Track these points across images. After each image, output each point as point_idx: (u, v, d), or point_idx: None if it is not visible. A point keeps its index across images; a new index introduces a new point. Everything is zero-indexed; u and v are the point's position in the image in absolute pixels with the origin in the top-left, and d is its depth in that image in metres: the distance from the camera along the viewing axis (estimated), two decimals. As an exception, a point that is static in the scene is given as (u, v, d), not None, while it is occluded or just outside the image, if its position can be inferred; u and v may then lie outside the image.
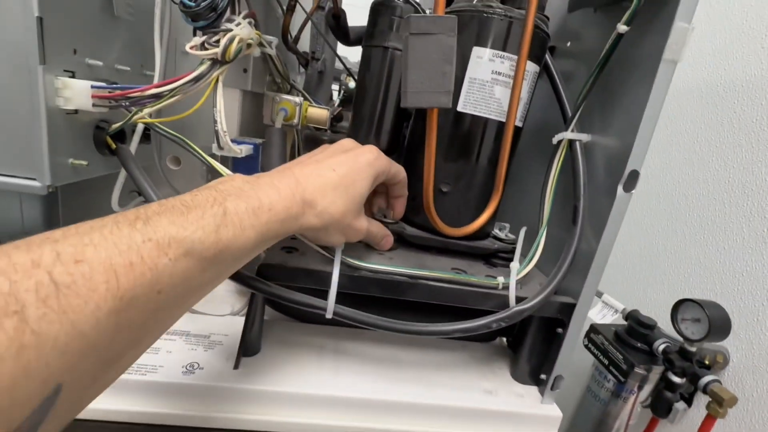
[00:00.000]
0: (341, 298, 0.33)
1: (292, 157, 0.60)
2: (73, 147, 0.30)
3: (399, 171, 0.34)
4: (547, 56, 0.42)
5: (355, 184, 0.28)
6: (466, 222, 0.38)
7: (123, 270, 0.16)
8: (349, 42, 0.54)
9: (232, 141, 0.38)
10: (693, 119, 0.67)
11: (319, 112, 0.52)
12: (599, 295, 0.69)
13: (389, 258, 0.38)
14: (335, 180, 0.27)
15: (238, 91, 0.43)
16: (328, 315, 0.30)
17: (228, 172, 0.33)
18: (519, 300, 0.34)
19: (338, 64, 0.80)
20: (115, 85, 0.30)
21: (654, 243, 0.71)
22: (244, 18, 0.37)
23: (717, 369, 0.56)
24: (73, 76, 0.29)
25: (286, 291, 0.30)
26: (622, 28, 0.31)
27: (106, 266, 0.16)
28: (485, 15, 0.35)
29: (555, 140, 0.38)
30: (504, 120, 0.36)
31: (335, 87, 0.89)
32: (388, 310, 0.36)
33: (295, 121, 0.49)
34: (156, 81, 0.34)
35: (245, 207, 0.22)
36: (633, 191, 0.32)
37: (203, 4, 0.33)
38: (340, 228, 0.29)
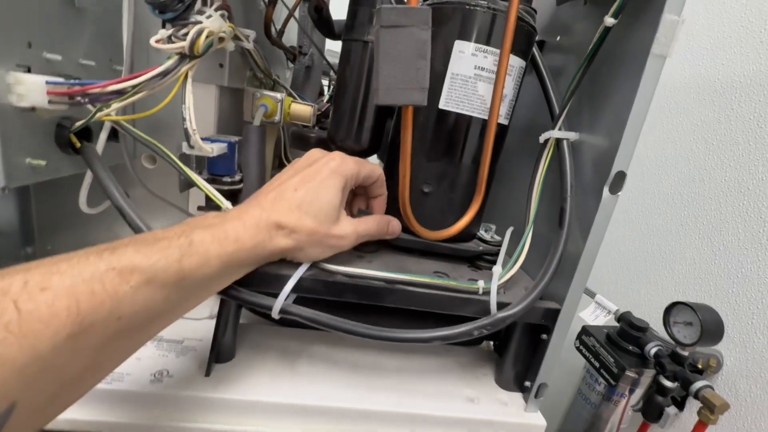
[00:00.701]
0: (322, 305, 0.32)
1: (277, 156, 0.59)
2: (30, 146, 0.29)
3: (372, 171, 0.33)
4: (536, 51, 0.40)
5: (321, 196, 0.28)
6: (451, 224, 0.37)
7: (84, 297, 0.17)
8: (334, 36, 0.52)
9: (205, 139, 0.37)
10: (689, 116, 0.66)
11: (303, 109, 0.51)
12: (592, 295, 0.68)
13: (368, 261, 0.36)
14: (298, 198, 0.28)
15: (213, 87, 0.41)
16: (274, 314, 0.29)
17: (191, 173, 0.31)
18: (501, 306, 0.33)
19: (329, 58, 0.78)
20: (73, 81, 0.29)
21: (649, 243, 0.69)
22: (216, 10, 0.35)
23: (710, 373, 0.55)
24: (28, 71, 0.27)
25: (241, 291, 0.29)
26: (609, 21, 0.29)
27: (68, 293, 0.17)
28: (468, 7, 0.33)
29: (542, 139, 0.37)
30: (487, 118, 0.35)
31: (326, 82, 0.87)
32: (369, 314, 0.34)
33: (277, 118, 0.48)
34: (123, 76, 0.32)
35: (211, 238, 0.23)
36: (620, 193, 0.31)
37: (171, -5, 0.31)
38: (317, 242, 0.29)
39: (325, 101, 0.80)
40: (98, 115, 0.30)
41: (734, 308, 0.54)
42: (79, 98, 0.29)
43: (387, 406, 0.33)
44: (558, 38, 0.43)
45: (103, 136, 0.34)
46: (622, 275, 0.72)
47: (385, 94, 0.25)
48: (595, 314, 0.69)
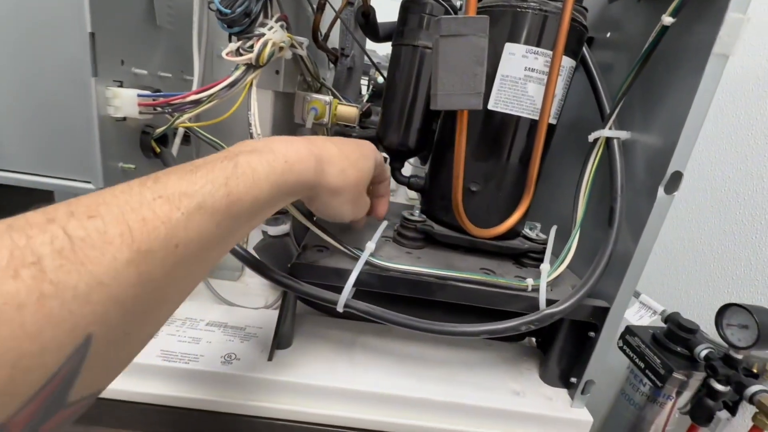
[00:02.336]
0: (374, 297, 0.34)
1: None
2: (122, 152, 0.33)
3: (386, 169, 0.36)
4: (585, 49, 0.40)
5: (360, 161, 0.30)
6: (496, 222, 0.38)
7: (136, 224, 0.16)
8: (378, 39, 0.54)
9: (266, 142, 0.40)
10: (747, 108, 0.62)
11: (349, 110, 0.53)
12: (637, 295, 0.66)
13: (417, 258, 0.38)
14: (343, 153, 0.29)
15: (270, 93, 0.44)
16: (339, 308, 0.31)
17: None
18: (549, 303, 0.34)
19: (367, 59, 0.80)
20: (158, 93, 0.32)
21: (699, 241, 0.67)
22: (277, 21, 0.38)
23: (766, 377, 0.53)
24: (121, 86, 0.31)
25: (306, 286, 0.32)
26: (667, 20, 0.29)
27: (119, 220, 0.16)
28: (519, 10, 0.34)
29: (591, 138, 0.37)
30: (536, 118, 0.35)
31: (364, 81, 0.89)
32: (418, 308, 0.36)
33: (325, 119, 0.50)
34: (195, 86, 0.35)
35: (258, 159, 0.22)
36: (675, 193, 0.31)
37: (238, 10, 0.34)
38: (354, 196, 0.30)
39: (365, 100, 0.82)
40: (177, 122, 0.34)
41: (795, 312, 0.51)
42: (161, 108, 0.32)
43: (438, 395, 0.35)
44: (608, 34, 0.42)
45: (178, 140, 0.38)
46: (670, 275, 0.70)
47: (443, 100, 0.27)
48: (639, 314, 0.67)
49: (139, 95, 0.30)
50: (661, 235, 0.32)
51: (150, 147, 0.35)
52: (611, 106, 0.36)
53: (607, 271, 0.35)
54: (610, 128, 0.36)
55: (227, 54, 0.33)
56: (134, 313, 0.17)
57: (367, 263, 0.34)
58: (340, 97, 0.59)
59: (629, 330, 0.59)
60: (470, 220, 0.37)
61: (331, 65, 0.74)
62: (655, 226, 0.32)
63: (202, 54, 0.36)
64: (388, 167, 0.37)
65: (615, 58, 0.41)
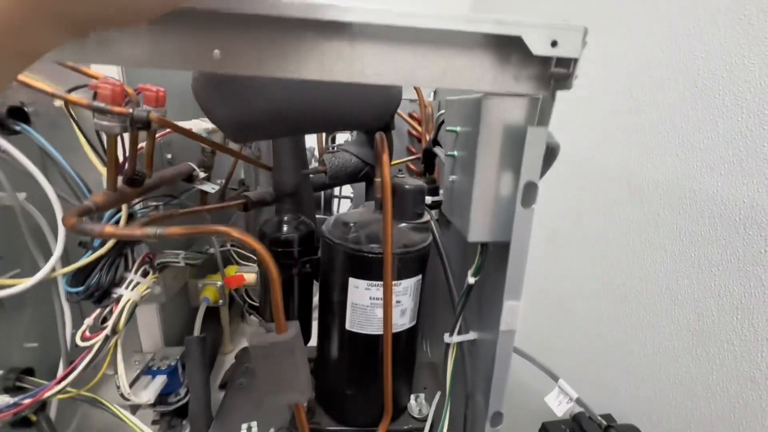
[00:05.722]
0: None
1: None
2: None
3: None
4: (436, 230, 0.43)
5: None
6: (376, 415, 0.41)
7: None
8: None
9: (147, 373, 0.41)
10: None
11: (249, 277, 0.55)
12: (555, 379, 0.70)
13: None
14: None
15: (154, 306, 0.46)
16: None
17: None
18: None
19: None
20: (24, 395, 0.33)
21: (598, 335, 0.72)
22: (139, 267, 0.39)
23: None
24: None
25: None
26: (471, 279, 0.33)
27: None
28: (356, 254, 0.37)
29: (445, 341, 0.40)
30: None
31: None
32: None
33: (221, 301, 0.52)
34: (60, 371, 0.37)
35: None
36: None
37: (90, 287, 0.36)
38: None
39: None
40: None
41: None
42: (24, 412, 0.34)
43: None
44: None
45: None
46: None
47: (271, 399, 0.29)
48: (558, 399, 0.72)
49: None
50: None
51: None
52: (454, 319, 0.38)
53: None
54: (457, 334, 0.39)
55: (82, 338, 0.35)
56: None
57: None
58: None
59: (544, 428, 0.64)
60: (352, 416, 0.41)
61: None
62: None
63: (67, 338, 0.37)
64: None
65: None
